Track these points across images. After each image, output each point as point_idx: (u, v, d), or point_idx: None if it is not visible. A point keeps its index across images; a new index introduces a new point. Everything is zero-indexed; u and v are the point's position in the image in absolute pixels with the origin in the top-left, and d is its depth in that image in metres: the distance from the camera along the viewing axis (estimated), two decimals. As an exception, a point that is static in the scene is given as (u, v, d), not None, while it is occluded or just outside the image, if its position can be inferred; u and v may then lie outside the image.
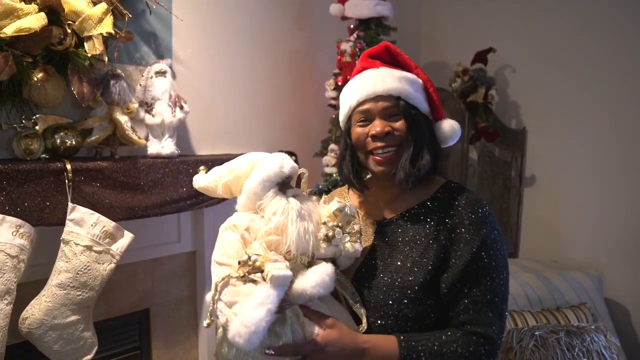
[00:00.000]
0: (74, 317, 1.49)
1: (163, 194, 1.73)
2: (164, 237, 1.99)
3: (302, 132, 2.51)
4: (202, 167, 1.20)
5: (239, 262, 0.97)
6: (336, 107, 2.40)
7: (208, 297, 1.00)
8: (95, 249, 1.50)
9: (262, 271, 0.95)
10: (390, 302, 1.06)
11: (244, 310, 0.91)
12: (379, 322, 1.08)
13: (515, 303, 2.07)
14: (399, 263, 1.10)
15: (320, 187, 2.30)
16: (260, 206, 1.05)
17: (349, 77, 2.20)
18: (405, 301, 1.05)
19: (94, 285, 1.50)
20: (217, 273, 1.00)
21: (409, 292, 1.06)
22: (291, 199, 1.05)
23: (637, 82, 2.26)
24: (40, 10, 1.41)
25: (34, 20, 1.36)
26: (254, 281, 0.95)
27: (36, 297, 1.48)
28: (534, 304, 2.09)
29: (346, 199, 1.28)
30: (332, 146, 2.36)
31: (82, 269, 1.48)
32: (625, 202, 2.32)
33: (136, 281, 1.94)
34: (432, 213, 1.12)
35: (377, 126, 1.10)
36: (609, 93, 2.35)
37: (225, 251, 1.02)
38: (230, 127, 2.22)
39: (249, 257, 0.96)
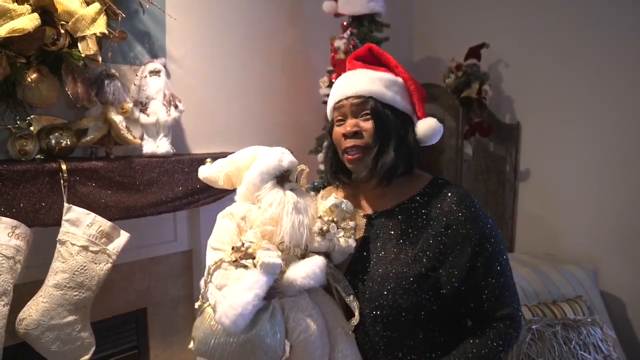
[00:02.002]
0: (71, 318, 1.49)
1: (159, 193, 1.73)
2: (160, 236, 1.99)
3: (297, 129, 2.51)
4: (208, 159, 1.25)
5: (233, 248, 1.01)
6: (330, 105, 2.41)
7: (202, 281, 1.04)
8: (91, 249, 1.51)
9: (253, 258, 0.98)
10: (385, 292, 1.09)
11: (232, 293, 0.94)
12: (374, 312, 1.10)
13: (511, 297, 2.08)
14: (392, 255, 1.12)
15: (316, 184, 2.30)
16: (258, 197, 1.09)
17: (342, 73, 2.23)
18: (400, 292, 1.08)
19: (91, 285, 1.51)
20: (211, 257, 1.05)
21: (404, 282, 1.08)
22: (288, 192, 1.08)
23: (632, 75, 2.27)
24: (33, 11, 1.40)
25: (27, 20, 1.36)
26: (245, 267, 0.98)
27: (33, 298, 1.48)
28: (530, 298, 2.10)
29: (337, 194, 1.30)
30: (327, 143, 2.37)
31: (79, 269, 1.48)
32: (620, 195, 2.34)
33: (133, 281, 1.95)
34: (422, 207, 1.15)
35: (347, 125, 1.15)
36: (603, 87, 2.36)
37: (220, 237, 1.06)
38: (225, 125, 2.22)
39: (242, 244, 1.00)
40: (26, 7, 1.40)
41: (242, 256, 0.99)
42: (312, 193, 1.21)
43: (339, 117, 1.18)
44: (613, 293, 2.37)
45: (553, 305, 2.06)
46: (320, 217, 1.11)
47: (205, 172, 1.22)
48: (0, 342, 1.35)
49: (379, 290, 1.10)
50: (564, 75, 2.48)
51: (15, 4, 1.38)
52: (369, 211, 1.22)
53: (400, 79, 1.18)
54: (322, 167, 2.37)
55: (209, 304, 1.02)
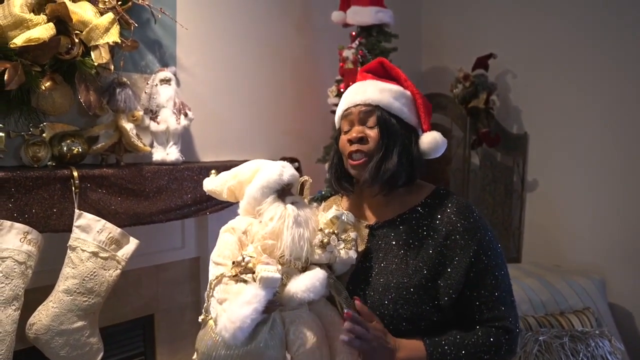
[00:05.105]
0: (80, 323, 1.50)
1: (167, 200, 1.75)
2: (168, 243, 2.01)
3: (305, 138, 2.53)
4: (213, 171, 1.26)
5: (233, 263, 1.02)
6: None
7: (205, 294, 1.06)
8: (101, 255, 1.52)
9: (253, 272, 1.00)
10: (386, 302, 1.10)
11: (232, 307, 0.96)
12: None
13: (518, 308, 2.06)
14: (394, 266, 1.13)
15: (323, 193, 2.30)
16: (259, 211, 1.10)
17: (351, 83, 2.24)
18: (401, 302, 1.09)
19: (100, 291, 1.52)
20: (212, 272, 1.07)
21: (404, 292, 1.09)
22: (289, 206, 1.09)
23: (639, 86, 2.28)
24: (49, 21, 1.43)
25: (43, 30, 1.38)
26: (245, 281, 1.00)
27: (43, 303, 1.49)
28: (537, 309, 2.09)
29: (340, 205, 1.32)
30: (333, 151, 2.38)
31: (89, 275, 1.49)
32: (628, 205, 2.33)
33: (141, 287, 1.96)
34: (423, 218, 1.16)
35: (353, 132, 1.17)
36: (610, 98, 2.36)
37: (222, 252, 1.08)
38: (234, 134, 2.24)
39: (243, 258, 1.01)
40: (42, 17, 1.42)
41: (242, 271, 1.00)
42: (315, 204, 1.22)
43: (347, 125, 1.21)
44: (621, 305, 2.35)
45: (560, 316, 2.05)
46: (321, 230, 1.12)
47: (210, 185, 1.23)
48: (11, 347, 1.37)
49: (380, 300, 1.11)
50: (572, 85, 2.49)
51: (32, 14, 1.41)
52: (372, 222, 1.23)
53: (408, 92, 1.21)
54: (329, 176, 2.38)
55: (212, 317, 1.04)
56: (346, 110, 1.21)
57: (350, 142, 1.17)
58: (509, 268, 1.18)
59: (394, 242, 1.16)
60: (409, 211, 1.19)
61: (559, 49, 2.53)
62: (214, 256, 1.09)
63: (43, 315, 1.46)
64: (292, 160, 2.23)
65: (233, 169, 1.21)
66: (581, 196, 2.48)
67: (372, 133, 1.16)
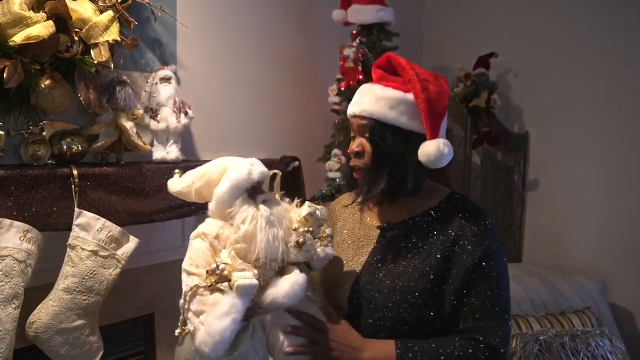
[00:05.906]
0: (80, 322, 1.50)
1: (168, 199, 1.74)
2: (168, 242, 2.00)
3: (305, 137, 2.52)
4: (176, 171, 1.17)
5: (207, 272, 0.98)
6: (339, 112, 2.43)
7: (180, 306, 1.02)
8: (101, 253, 1.52)
9: (229, 280, 0.96)
10: (390, 304, 1.09)
11: (209, 320, 0.92)
12: (377, 323, 1.10)
13: (519, 307, 2.07)
14: (401, 269, 1.12)
15: (324, 192, 2.31)
16: (230, 214, 1.04)
17: (352, 82, 2.24)
18: (405, 305, 1.08)
19: (100, 289, 1.52)
20: (186, 282, 1.01)
21: (409, 297, 1.08)
22: (261, 206, 1.05)
23: None
24: (48, 19, 1.43)
25: (42, 28, 1.38)
26: (221, 290, 0.96)
27: (43, 302, 1.49)
28: (538, 309, 2.09)
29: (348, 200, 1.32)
30: (335, 151, 2.38)
31: (88, 274, 1.49)
32: (629, 205, 2.32)
33: (141, 286, 1.95)
34: (436, 223, 1.14)
35: (353, 144, 1.17)
36: (612, 97, 2.36)
37: (195, 260, 1.02)
38: (234, 132, 2.24)
39: (217, 267, 0.97)
40: (41, 15, 1.42)
41: (217, 280, 0.96)
42: (287, 200, 1.16)
43: (352, 132, 1.19)
44: (622, 305, 2.35)
45: (561, 316, 2.05)
46: (295, 229, 1.08)
47: (175, 187, 1.15)
48: (11, 345, 1.36)
49: (385, 302, 1.10)
50: (573, 85, 2.48)
51: (31, 11, 1.41)
52: (383, 222, 1.21)
53: (410, 97, 1.11)
54: (330, 174, 2.38)
55: (189, 330, 0.99)
56: (350, 118, 1.19)
57: (350, 154, 1.18)
58: (509, 268, 1.16)
59: (402, 245, 1.14)
60: (421, 214, 1.16)
61: (560, 48, 2.52)
62: (186, 265, 1.03)
63: (43, 314, 1.46)
64: (292, 159, 2.23)
65: (199, 168, 1.12)
66: (582, 196, 2.47)
67: (368, 147, 1.14)
